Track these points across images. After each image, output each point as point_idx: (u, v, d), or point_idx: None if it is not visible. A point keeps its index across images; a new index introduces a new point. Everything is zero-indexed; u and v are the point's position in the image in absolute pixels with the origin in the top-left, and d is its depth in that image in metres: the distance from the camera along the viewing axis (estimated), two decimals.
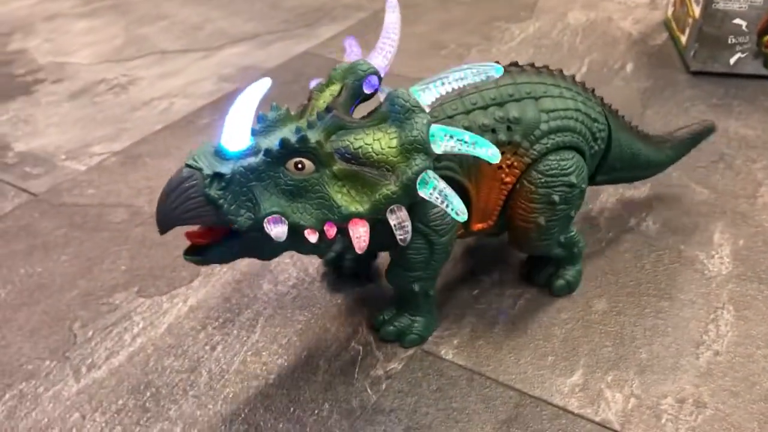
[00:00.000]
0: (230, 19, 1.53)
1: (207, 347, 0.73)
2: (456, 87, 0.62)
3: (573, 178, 0.70)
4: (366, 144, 0.59)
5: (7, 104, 1.20)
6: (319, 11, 1.57)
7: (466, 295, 0.80)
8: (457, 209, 0.61)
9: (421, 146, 0.59)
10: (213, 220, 0.57)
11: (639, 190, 0.97)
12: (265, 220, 0.57)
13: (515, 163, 0.69)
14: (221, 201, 0.56)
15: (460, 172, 0.67)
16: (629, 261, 0.85)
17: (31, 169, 1.03)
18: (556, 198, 0.70)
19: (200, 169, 0.56)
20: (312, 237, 0.59)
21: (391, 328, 0.73)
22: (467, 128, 0.66)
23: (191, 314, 0.77)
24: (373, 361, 0.72)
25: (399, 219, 0.61)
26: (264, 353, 0.73)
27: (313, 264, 0.84)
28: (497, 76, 0.62)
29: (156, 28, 1.49)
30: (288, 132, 0.59)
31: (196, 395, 0.68)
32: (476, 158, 0.65)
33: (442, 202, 0.60)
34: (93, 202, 0.96)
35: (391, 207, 0.60)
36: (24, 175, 1.01)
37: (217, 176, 0.56)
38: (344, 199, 0.59)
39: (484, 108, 0.68)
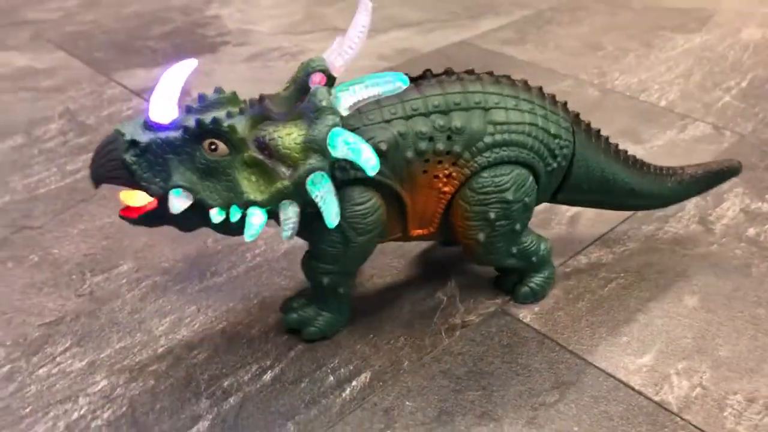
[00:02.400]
0: (401, 7, 1.63)
1: None
2: (372, 94, 0.61)
3: (509, 195, 0.67)
4: (278, 137, 0.60)
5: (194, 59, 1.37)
6: (485, 5, 1.63)
7: (559, 272, 0.83)
8: (330, 215, 0.61)
9: (319, 147, 0.60)
10: (128, 183, 0.61)
11: None
12: (171, 191, 0.60)
13: (454, 174, 0.67)
14: (134, 167, 0.60)
15: (392, 177, 0.66)
16: (736, 267, 0.83)
17: None
18: (492, 215, 0.67)
19: (123, 135, 0.60)
20: (216, 217, 0.61)
21: (294, 315, 0.73)
22: (403, 134, 0.65)
23: (305, 246, 0.86)
24: (454, 311, 0.77)
25: (286, 216, 0.62)
26: (359, 288, 0.80)
27: None
28: (403, 87, 0.60)
29: (334, 9, 1.62)
30: (220, 114, 0.61)
31: None
32: (407, 163, 0.65)
33: (322, 206, 0.61)
34: None
35: (284, 201, 0.61)
36: None
37: (134, 143, 0.60)
38: (249, 186, 0.61)
39: (426, 115, 0.65)
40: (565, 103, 0.73)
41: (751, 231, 0.89)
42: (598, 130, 0.75)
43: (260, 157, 0.61)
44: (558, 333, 0.74)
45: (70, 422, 0.65)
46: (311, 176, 0.60)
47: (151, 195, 0.61)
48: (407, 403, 0.67)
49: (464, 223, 0.68)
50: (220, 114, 0.61)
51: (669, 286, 0.80)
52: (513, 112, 0.68)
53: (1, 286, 0.81)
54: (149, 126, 0.61)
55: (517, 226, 0.70)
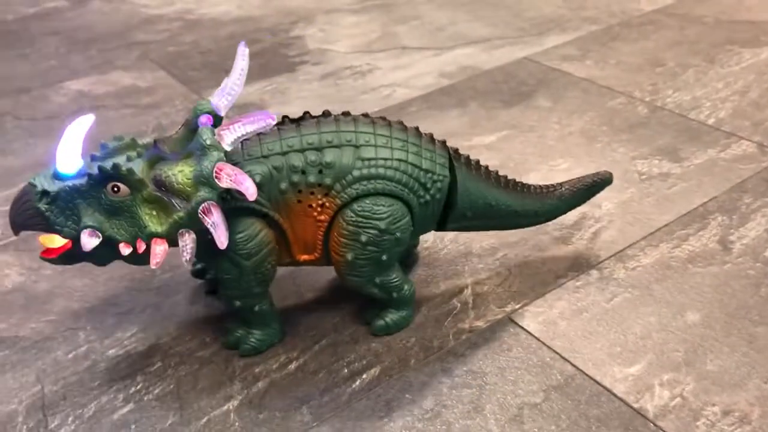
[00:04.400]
0: (472, 24, 1.71)
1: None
2: (249, 131, 0.69)
3: (382, 224, 0.74)
4: (172, 174, 0.69)
5: (274, 78, 1.51)
6: (554, 21, 1.68)
7: (570, 285, 0.89)
8: (220, 239, 0.69)
9: (206, 180, 0.68)
10: (45, 228, 0.70)
11: None
12: (83, 231, 0.69)
13: (327, 204, 0.75)
14: (48, 213, 0.69)
15: (269, 206, 0.74)
16: (745, 287, 0.86)
17: None
18: (363, 238, 0.74)
19: (35, 186, 0.69)
20: (125, 250, 0.70)
21: (231, 337, 0.82)
22: (277, 167, 0.73)
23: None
24: (464, 317, 0.85)
25: (184, 243, 0.70)
26: None
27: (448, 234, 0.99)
28: (272, 124, 0.70)
29: (407, 27, 1.72)
30: (120, 160, 0.70)
31: (315, 309, 0.88)
32: (282, 194, 0.73)
33: (213, 231, 0.69)
34: None
35: (181, 231, 0.70)
36: None
37: (45, 193, 0.68)
38: (150, 220, 0.70)
39: (301, 151, 0.74)
40: (444, 141, 0.80)
41: None
42: (478, 161, 0.81)
43: (158, 193, 0.70)
44: (556, 341, 0.81)
45: (128, 395, 0.78)
46: (203, 206, 0.69)
47: (65, 237, 0.70)
48: (407, 396, 0.76)
49: (338, 239, 0.76)
50: (120, 159, 0.70)
51: (673, 302, 0.85)
52: (382, 149, 0.75)
53: (88, 280, 0.96)
54: (57, 177, 0.70)
55: (384, 257, 0.77)
